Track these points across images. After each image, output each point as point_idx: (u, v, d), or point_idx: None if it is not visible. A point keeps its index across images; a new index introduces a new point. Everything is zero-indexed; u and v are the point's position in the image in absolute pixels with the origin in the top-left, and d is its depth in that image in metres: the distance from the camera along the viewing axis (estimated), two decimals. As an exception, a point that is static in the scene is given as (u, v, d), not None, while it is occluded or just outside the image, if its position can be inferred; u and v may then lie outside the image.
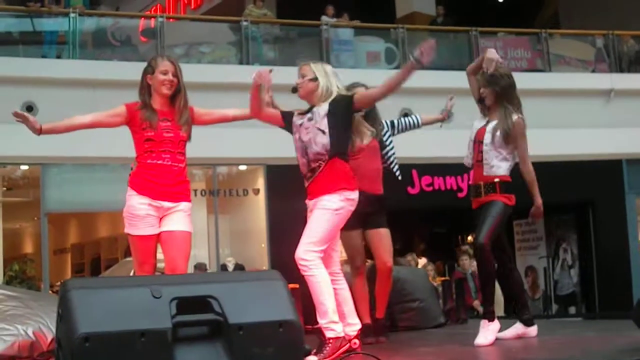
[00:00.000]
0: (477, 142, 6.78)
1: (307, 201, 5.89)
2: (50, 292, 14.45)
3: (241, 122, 6.32)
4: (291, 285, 6.21)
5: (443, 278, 13.86)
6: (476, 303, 14.29)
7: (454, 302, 10.67)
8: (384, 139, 7.19)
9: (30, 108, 14.16)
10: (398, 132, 7.41)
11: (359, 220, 6.47)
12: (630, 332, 5.75)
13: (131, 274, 6.96)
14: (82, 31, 15.95)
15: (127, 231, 5.81)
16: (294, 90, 6.10)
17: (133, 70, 14.23)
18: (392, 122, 7.38)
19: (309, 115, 5.92)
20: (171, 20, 18.44)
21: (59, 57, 15.78)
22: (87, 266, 20.73)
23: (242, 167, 16.17)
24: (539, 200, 6.74)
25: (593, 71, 18.25)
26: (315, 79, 6.00)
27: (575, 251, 17.94)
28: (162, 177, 5.75)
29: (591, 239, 17.39)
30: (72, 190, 15.02)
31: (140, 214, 5.73)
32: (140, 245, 5.78)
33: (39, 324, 6.05)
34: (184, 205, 5.83)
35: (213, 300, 3.73)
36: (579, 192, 16.48)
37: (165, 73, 5.81)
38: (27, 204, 16.91)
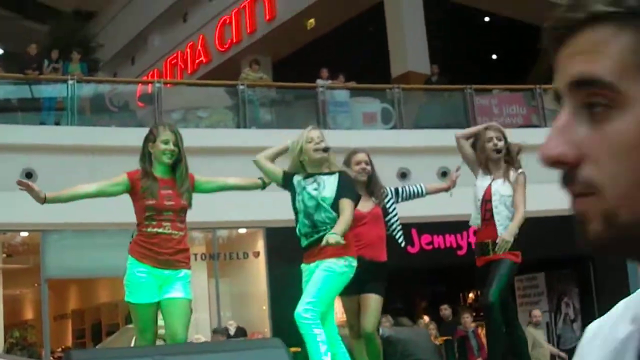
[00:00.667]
0: (485, 201, 6.83)
1: (306, 264, 5.98)
2: (51, 358, 14.37)
3: None
4: (293, 349, 6.21)
5: (445, 337, 13.82)
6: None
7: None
8: (387, 205, 7.16)
9: (29, 175, 14.20)
10: (402, 200, 7.38)
11: (357, 286, 6.44)
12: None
13: (133, 341, 6.92)
14: (80, 97, 16.05)
15: (127, 299, 5.81)
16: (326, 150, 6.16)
17: (131, 136, 14.41)
18: (396, 190, 7.36)
19: (313, 181, 6.07)
20: (168, 85, 18.60)
21: (57, 123, 15.86)
22: (88, 332, 20.63)
23: (242, 230, 16.17)
24: (513, 225, 6.74)
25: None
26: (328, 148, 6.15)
27: (578, 305, 17.88)
28: (162, 245, 5.78)
29: (593, 292, 17.34)
30: (71, 256, 14.99)
31: (141, 282, 5.74)
32: (140, 313, 5.78)
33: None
34: (184, 273, 5.85)
35: (216, 369, 3.75)
36: (577, 248, 16.42)
37: (166, 142, 5.86)
38: (27, 270, 16.89)
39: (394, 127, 16.80)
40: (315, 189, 6.03)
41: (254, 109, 16.67)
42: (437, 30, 23.11)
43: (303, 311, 5.65)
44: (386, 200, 7.14)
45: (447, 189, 7.58)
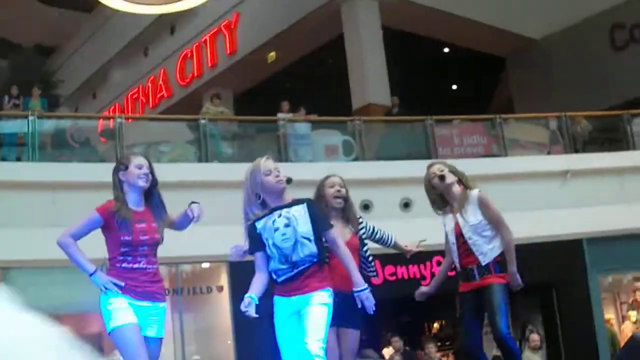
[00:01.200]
0: (458, 238, 6.87)
1: (284, 297, 5.70)
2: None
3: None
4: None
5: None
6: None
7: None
8: (363, 236, 6.88)
9: (-11, 211, 14.11)
10: (372, 240, 7.10)
11: (336, 320, 6.07)
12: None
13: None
14: (41, 133, 15.93)
15: (114, 325, 5.63)
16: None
17: (92, 172, 14.37)
18: (372, 228, 7.09)
19: (279, 217, 5.71)
20: (130, 120, 18.53)
21: (18, 159, 15.74)
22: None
23: (205, 265, 16.10)
24: (512, 268, 6.78)
25: (548, 153, 18.46)
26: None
27: (542, 332, 17.92)
28: (138, 279, 5.68)
29: (557, 320, 17.40)
30: (33, 293, 14.72)
31: (125, 306, 5.62)
32: (133, 334, 5.58)
33: None
34: (161, 305, 5.81)
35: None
36: (541, 273, 16.47)
37: (140, 167, 5.79)
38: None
39: (355, 159, 16.86)
40: (287, 225, 5.66)
41: (215, 143, 16.64)
42: (397, 62, 23.27)
43: (318, 350, 5.38)
44: (362, 231, 6.89)
45: (406, 253, 7.40)
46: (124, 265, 5.68)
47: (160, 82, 27.67)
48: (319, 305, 5.56)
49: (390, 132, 18.70)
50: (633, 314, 18.99)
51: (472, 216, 6.83)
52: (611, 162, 17.75)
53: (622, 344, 16.38)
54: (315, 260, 5.64)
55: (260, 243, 5.71)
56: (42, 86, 19.23)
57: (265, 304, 5.83)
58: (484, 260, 6.78)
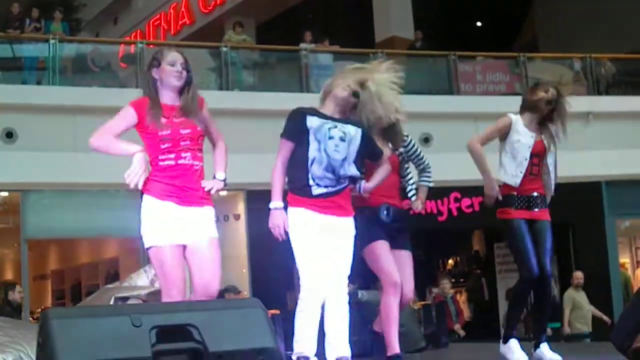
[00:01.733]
0: (534, 156, 6.73)
1: (324, 213, 5.55)
2: (30, 318, 14.37)
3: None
4: (272, 312, 6.21)
5: (423, 302, 13.89)
6: (457, 327, 14.37)
7: (434, 326, 10.69)
8: (399, 158, 6.52)
9: (10, 134, 14.15)
10: (412, 162, 6.74)
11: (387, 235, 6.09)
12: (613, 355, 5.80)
13: (111, 301, 6.92)
14: (62, 57, 15.92)
15: (151, 244, 5.17)
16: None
17: (113, 97, 14.34)
18: (415, 151, 6.69)
19: (334, 127, 5.60)
20: (151, 46, 18.43)
21: (39, 83, 15.76)
22: (68, 293, 20.62)
23: (223, 193, 16.13)
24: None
25: (571, 94, 18.30)
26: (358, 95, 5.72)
27: (556, 272, 17.97)
28: (184, 179, 5.17)
29: (571, 261, 17.43)
30: (52, 216, 14.93)
31: (168, 219, 5.13)
32: (170, 257, 5.14)
33: (20, 352, 6.03)
34: (209, 209, 5.33)
35: (193, 329, 3.72)
36: (558, 214, 16.39)
37: (173, 64, 5.28)
38: (7, 230, 16.85)
39: (376, 92, 16.78)
40: (342, 140, 5.57)
41: (236, 72, 16.61)
42: (422, -5, 23.07)
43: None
44: (403, 150, 6.53)
45: (407, 204, 6.81)
46: (167, 162, 5.17)
47: (183, 8, 27.46)
48: (351, 240, 5.60)
49: (413, 66, 18.54)
50: (648, 259, 19.05)
51: (553, 147, 6.82)
52: (634, 106, 17.63)
53: (635, 288, 16.43)
54: (353, 182, 5.68)
55: (301, 136, 5.58)
56: (63, 10, 19.08)
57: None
58: (549, 194, 6.80)
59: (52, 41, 15.56)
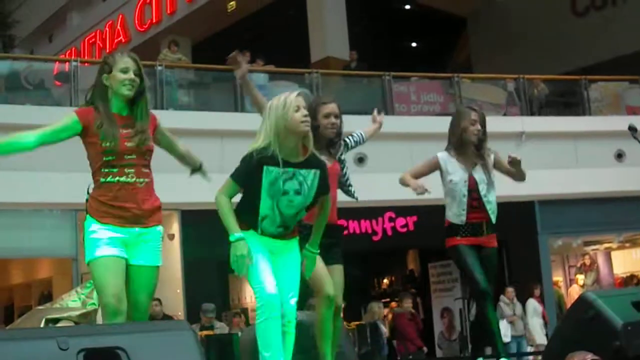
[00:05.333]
0: (472, 191, 6.84)
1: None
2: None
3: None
4: (205, 332, 6.16)
5: (357, 322, 13.90)
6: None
7: (368, 345, 10.69)
8: (342, 157, 6.45)
9: (-60, 153, 13.90)
10: (348, 150, 6.63)
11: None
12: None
13: (42, 323, 6.79)
14: (-5, 74, 15.74)
15: (90, 258, 4.83)
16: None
17: (47, 115, 14.11)
18: (345, 142, 6.58)
19: (292, 177, 5.25)
20: (86, 64, 18.29)
21: (-30, 100, 15.53)
22: (0, 314, 20.31)
23: (157, 213, 16.02)
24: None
25: (504, 114, 18.52)
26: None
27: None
28: (126, 198, 4.87)
29: (505, 280, 17.58)
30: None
31: (106, 237, 4.83)
32: (113, 269, 4.78)
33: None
34: (155, 231, 5.05)
35: (121, 352, 3.68)
36: (492, 233, 16.68)
37: (125, 71, 4.99)
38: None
39: (311, 112, 16.80)
40: (298, 193, 5.21)
41: (171, 91, 16.52)
42: (358, 16, 23.18)
43: None
44: (342, 151, 6.43)
45: (379, 127, 7.11)
46: (109, 178, 4.86)
47: (118, 26, 27.34)
48: (298, 257, 5.42)
49: (348, 86, 18.66)
50: (581, 278, 19.28)
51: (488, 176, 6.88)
52: (566, 126, 17.91)
53: (568, 306, 16.61)
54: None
55: (253, 186, 5.18)
56: (-4, 26, 18.96)
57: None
58: (493, 212, 6.95)
59: (-16, 58, 15.37)
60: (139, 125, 4.99)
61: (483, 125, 6.90)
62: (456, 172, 6.83)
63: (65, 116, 4.98)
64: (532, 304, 16.25)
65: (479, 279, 6.61)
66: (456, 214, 6.81)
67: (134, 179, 4.91)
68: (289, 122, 5.14)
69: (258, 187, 5.14)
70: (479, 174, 6.84)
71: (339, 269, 6.28)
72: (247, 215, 5.25)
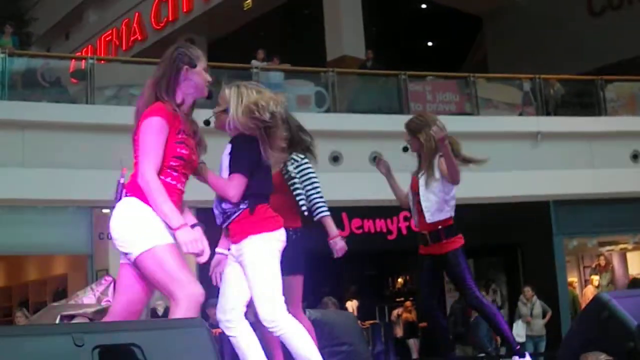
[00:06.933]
0: (415, 194, 6.78)
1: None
2: (-25, 336, 14.15)
3: None
4: (216, 330, 6.15)
5: (372, 321, 13.89)
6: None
7: (382, 344, 10.69)
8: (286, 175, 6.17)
9: (-42, 149, 13.99)
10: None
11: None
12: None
13: (57, 320, 6.81)
14: (12, 72, 15.76)
15: (153, 244, 4.46)
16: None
17: (63, 112, 14.19)
18: (306, 176, 6.24)
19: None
20: (102, 62, 18.35)
21: (-12, 97, 15.59)
22: (15, 310, 20.37)
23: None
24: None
25: (520, 114, 18.47)
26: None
27: (505, 292, 18.06)
28: (173, 199, 4.50)
29: (520, 281, 17.55)
30: (0, 232, 14.77)
31: (160, 223, 4.48)
32: (177, 253, 4.55)
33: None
34: None
35: (136, 348, 3.68)
36: (507, 234, 16.64)
37: (207, 71, 4.75)
38: (-45, 246, 16.63)
39: (327, 111, 16.81)
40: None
41: (187, 89, 16.52)
42: (374, 16, 23.17)
43: None
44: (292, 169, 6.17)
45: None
46: (167, 179, 4.53)
47: (135, 25, 27.39)
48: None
49: (363, 85, 18.65)
50: (596, 278, 19.18)
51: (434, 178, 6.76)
52: (582, 127, 17.84)
53: (583, 306, 16.56)
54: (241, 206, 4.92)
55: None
56: (14, 24, 18.93)
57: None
58: (429, 219, 6.70)
59: (1, 55, 15.39)
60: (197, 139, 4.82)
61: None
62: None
63: (153, 125, 4.55)
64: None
65: (420, 300, 6.89)
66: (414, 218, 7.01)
67: (181, 188, 4.68)
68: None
69: None
70: (420, 178, 6.82)
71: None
72: None
